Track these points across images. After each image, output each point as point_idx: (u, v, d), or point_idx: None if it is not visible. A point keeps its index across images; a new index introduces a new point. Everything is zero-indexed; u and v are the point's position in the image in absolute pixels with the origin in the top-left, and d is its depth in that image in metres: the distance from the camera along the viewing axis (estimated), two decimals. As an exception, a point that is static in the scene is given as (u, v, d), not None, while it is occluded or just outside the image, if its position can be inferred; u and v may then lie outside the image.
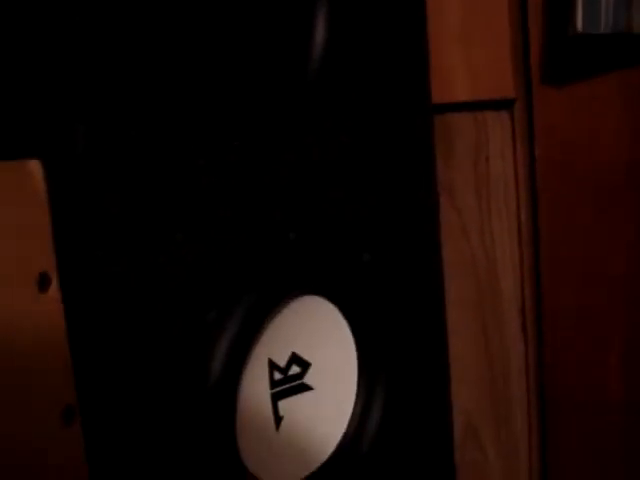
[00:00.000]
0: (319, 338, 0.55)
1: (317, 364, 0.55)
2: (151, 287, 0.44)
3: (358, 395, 0.57)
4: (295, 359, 0.54)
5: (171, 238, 0.45)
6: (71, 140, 0.38)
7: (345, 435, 0.56)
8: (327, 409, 0.56)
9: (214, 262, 0.47)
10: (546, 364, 0.73)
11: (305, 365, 0.55)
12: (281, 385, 0.54)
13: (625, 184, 0.67)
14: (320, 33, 0.51)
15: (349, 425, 0.56)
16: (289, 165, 0.51)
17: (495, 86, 0.70)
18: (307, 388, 0.55)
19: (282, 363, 0.54)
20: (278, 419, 0.54)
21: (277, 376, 0.53)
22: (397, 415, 0.58)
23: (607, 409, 0.71)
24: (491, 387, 0.74)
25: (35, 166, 0.35)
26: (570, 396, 0.73)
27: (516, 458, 0.75)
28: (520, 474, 0.76)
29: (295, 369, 0.55)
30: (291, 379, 0.54)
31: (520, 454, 0.75)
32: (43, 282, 0.36)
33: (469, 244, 0.72)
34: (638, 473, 0.70)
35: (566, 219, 0.70)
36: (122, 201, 0.42)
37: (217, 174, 0.47)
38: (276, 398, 0.53)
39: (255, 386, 0.52)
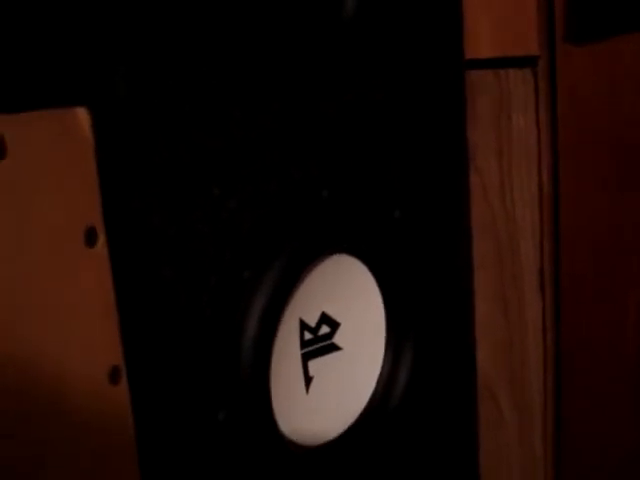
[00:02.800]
0: (349, 298, 0.55)
1: (346, 324, 0.55)
2: (187, 243, 0.43)
3: (386, 355, 0.56)
4: (325, 319, 0.54)
5: (208, 192, 0.44)
6: (114, 86, 0.36)
7: (373, 395, 0.56)
8: (356, 369, 0.56)
9: (248, 219, 0.46)
10: (563, 324, 0.73)
11: (334, 325, 0.54)
12: (311, 345, 0.53)
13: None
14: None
15: (377, 385, 0.56)
16: (322, 122, 0.50)
17: (519, 42, 0.68)
18: (336, 348, 0.55)
19: (312, 323, 0.53)
20: (308, 379, 0.53)
21: (307, 336, 0.53)
22: (424, 374, 0.58)
23: (623, 369, 0.72)
24: (508, 347, 0.74)
25: (82, 114, 0.34)
26: (586, 356, 0.73)
27: (531, 417, 0.76)
28: (535, 432, 0.76)
29: (325, 329, 0.54)
30: (321, 339, 0.54)
31: (535, 411, 0.76)
32: (91, 237, 0.35)
33: (489, 204, 0.71)
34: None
35: (588, 179, 0.69)
36: (162, 152, 0.41)
37: (252, 128, 0.46)
38: (306, 358, 0.53)
39: (287, 346, 0.51)
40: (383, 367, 0.56)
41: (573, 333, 0.74)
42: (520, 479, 0.77)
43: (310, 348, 0.53)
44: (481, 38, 0.68)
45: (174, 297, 0.43)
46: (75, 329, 0.34)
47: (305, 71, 0.48)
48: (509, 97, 0.70)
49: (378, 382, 0.56)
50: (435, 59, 0.56)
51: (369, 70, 0.52)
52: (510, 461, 0.77)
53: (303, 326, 0.52)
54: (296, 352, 0.52)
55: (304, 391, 0.53)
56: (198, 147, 0.43)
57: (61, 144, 0.33)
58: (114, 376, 0.37)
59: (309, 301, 0.52)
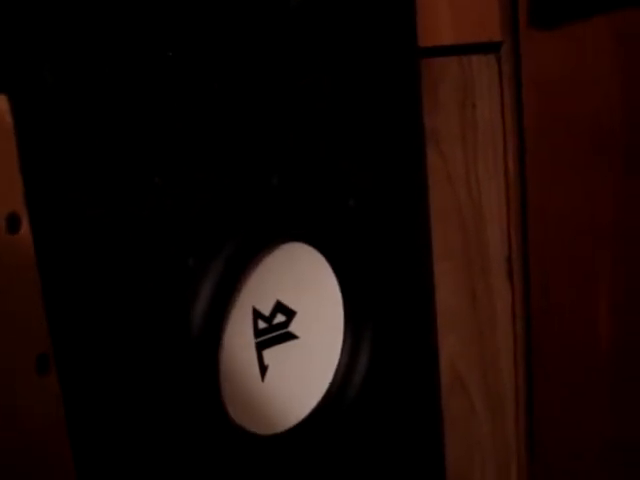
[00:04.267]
0: (304, 286, 0.54)
1: (302, 312, 0.54)
2: (129, 232, 0.43)
3: (344, 344, 0.56)
4: (280, 307, 0.53)
5: (149, 181, 0.43)
6: (38, 74, 0.35)
7: (331, 385, 0.55)
8: (313, 358, 0.55)
9: (194, 207, 0.46)
10: (533, 312, 0.72)
11: (290, 313, 0.54)
12: (266, 334, 0.52)
13: (614, 130, 0.66)
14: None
15: (335, 374, 0.55)
16: (273, 107, 0.49)
17: (481, 28, 0.67)
18: (292, 337, 0.54)
19: (266, 311, 0.52)
20: (263, 368, 0.52)
21: (261, 325, 0.52)
22: (384, 364, 0.57)
23: (596, 358, 0.71)
24: (477, 336, 0.73)
25: (2, 101, 0.33)
26: (557, 343, 0.72)
27: (502, 406, 0.75)
28: (507, 424, 0.75)
29: (280, 317, 0.53)
30: (276, 328, 0.53)
31: (507, 402, 0.75)
32: (13, 223, 0.34)
33: (454, 191, 0.71)
34: (625, 419, 0.70)
35: (553, 165, 0.69)
36: (98, 140, 0.40)
37: (197, 114, 0.45)
38: (261, 347, 0.52)
39: (239, 335, 0.50)
40: (341, 357, 0.55)
41: (543, 322, 0.73)
42: (494, 471, 0.76)
43: (264, 337, 0.52)
44: (443, 25, 0.67)
45: (113, 288, 0.42)
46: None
47: (256, 55, 0.47)
48: (473, 84, 0.69)
49: (336, 372, 0.55)
50: (388, 45, 0.56)
51: (321, 56, 0.52)
52: (483, 453, 0.76)
53: (256, 315, 0.52)
54: (250, 341, 0.51)
55: (259, 380, 0.52)
56: (138, 134, 0.42)
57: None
58: (42, 365, 0.36)
59: (262, 290, 0.52)
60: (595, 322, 0.71)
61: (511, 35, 0.68)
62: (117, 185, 0.42)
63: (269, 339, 0.53)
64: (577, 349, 0.72)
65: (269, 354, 0.53)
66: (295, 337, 0.54)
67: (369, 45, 0.55)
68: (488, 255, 0.72)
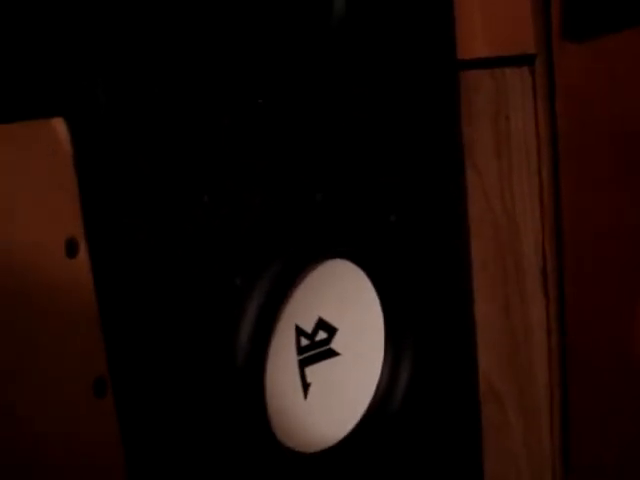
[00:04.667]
0: (345, 303, 0.54)
1: (344, 329, 0.54)
2: (178, 252, 0.43)
3: (385, 360, 0.56)
4: (322, 324, 0.53)
5: (197, 200, 0.44)
6: (92, 95, 0.36)
7: (373, 400, 0.55)
8: (354, 375, 0.55)
9: (240, 225, 0.46)
10: (568, 324, 0.72)
11: (332, 330, 0.54)
12: (308, 351, 0.53)
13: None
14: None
15: (377, 390, 0.55)
16: (316, 125, 0.49)
17: (515, 41, 0.67)
18: (334, 354, 0.54)
19: (309, 329, 0.52)
20: (306, 386, 0.53)
21: (304, 342, 0.52)
22: (424, 379, 0.57)
23: (630, 370, 0.71)
24: (512, 349, 0.73)
25: (59, 124, 0.33)
26: (592, 356, 0.72)
27: (538, 419, 0.75)
28: (542, 434, 0.75)
29: (322, 335, 0.53)
30: (318, 345, 0.53)
31: (541, 414, 0.74)
32: (71, 248, 0.34)
33: (489, 204, 0.70)
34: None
35: (588, 177, 0.68)
36: (147, 162, 0.40)
37: (242, 133, 0.45)
38: (303, 364, 0.52)
39: (282, 352, 0.51)
40: (382, 372, 0.55)
41: (578, 335, 0.72)
42: (529, 482, 0.76)
43: (307, 354, 0.52)
44: (476, 38, 0.67)
45: (164, 307, 0.42)
46: (57, 340, 0.34)
47: (297, 73, 0.47)
48: (506, 96, 0.69)
49: (378, 387, 0.55)
50: (428, 59, 0.56)
51: (361, 72, 0.52)
52: (518, 466, 0.76)
53: (299, 332, 0.52)
54: (292, 358, 0.52)
55: (302, 397, 0.52)
56: (185, 154, 0.42)
57: (39, 155, 0.32)
58: (99, 388, 0.36)
59: (305, 307, 0.52)
60: (630, 336, 0.70)
61: (544, 48, 0.68)
62: (167, 205, 0.42)
63: (311, 356, 0.53)
64: (612, 362, 0.72)
65: (311, 371, 0.53)
66: (337, 354, 0.54)
67: (409, 59, 0.55)
68: (523, 267, 0.72)
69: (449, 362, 0.59)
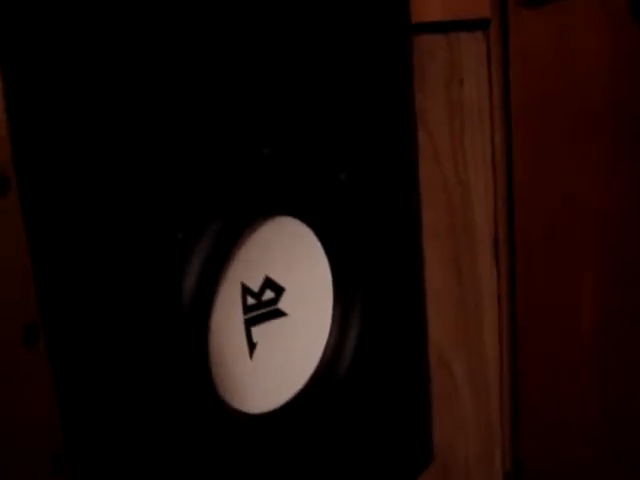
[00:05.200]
0: (293, 262, 0.53)
1: (291, 289, 0.53)
2: (117, 203, 0.41)
3: (333, 321, 0.55)
4: (269, 283, 0.52)
5: (141, 152, 0.42)
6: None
7: (320, 362, 0.54)
8: (302, 336, 0.54)
9: (184, 178, 0.44)
10: (518, 293, 0.72)
11: (279, 290, 0.53)
12: (254, 311, 0.51)
13: (601, 109, 0.66)
14: None
15: (324, 352, 0.54)
16: (266, 78, 0.48)
17: (470, 5, 0.67)
18: (281, 314, 0.53)
19: (255, 287, 0.51)
20: (252, 346, 0.51)
21: (250, 301, 0.51)
22: (373, 341, 0.56)
23: (579, 337, 0.71)
24: (463, 318, 0.73)
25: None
26: (541, 325, 0.72)
27: (486, 388, 0.75)
28: (491, 403, 0.75)
29: (269, 294, 0.52)
30: (265, 304, 0.52)
31: (491, 384, 0.75)
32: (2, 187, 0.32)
33: (441, 170, 0.70)
34: (609, 399, 0.70)
35: (541, 144, 0.68)
36: (85, 108, 0.38)
37: (187, 83, 0.44)
38: (249, 324, 0.51)
39: (228, 311, 0.49)
40: (330, 334, 0.54)
41: (528, 303, 0.73)
42: (478, 451, 0.76)
43: (253, 314, 0.51)
44: (431, 1, 0.66)
45: (101, 261, 0.41)
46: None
47: (249, 22, 0.46)
48: (460, 61, 0.69)
49: (325, 349, 0.54)
50: (382, 20, 0.54)
51: (315, 27, 0.50)
52: (467, 434, 0.76)
53: (245, 290, 0.50)
54: (238, 318, 0.50)
55: (247, 358, 0.51)
56: (131, 102, 0.41)
57: None
58: (30, 336, 0.35)
59: (251, 265, 0.50)
60: (579, 305, 0.71)
61: (500, 13, 0.67)
62: (108, 154, 0.40)
63: (258, 316, 0.51)
64: (561, 332, 0.72)
65: (258, 331, 0.51)
66: (284, 314, 0.53)
67: (363, 20, 0.53)
68: (475, 235, 0.71)
69: (399, 326, 0.58)
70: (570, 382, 0.73)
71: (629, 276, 0.67)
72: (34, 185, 0.35)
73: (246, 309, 0.51)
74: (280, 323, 0.53)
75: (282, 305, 0.53)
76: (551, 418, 0.74)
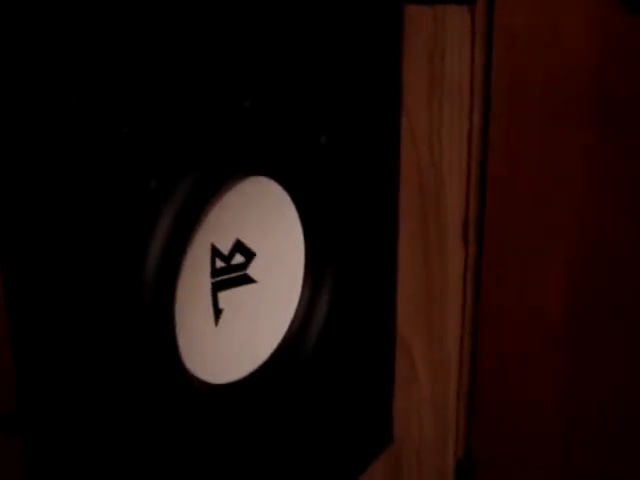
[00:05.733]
0: (267, 227, 0.50)
1: (262, 255, 0.50)
2: (90, 147, 0.38)
3: (303, 291, 0.52)
4: (239, 247, 0.49)
5: (113, 93, 0.38)
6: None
7: (288, 333, 0.52)
8: (270, 304, 0.51)
9: (162, 125, 0.41)
10: (484, 278, 0.71)
11: (250, 255, 0.50)
12: (223, 274, 0.48)
13: (583, 95, 0.65)
14: None
15: (292, 322, 0.52)
16: (253, 27, 0.45)
17: (458, -22, 0.65)
18: (250, 280, 0.50)
19: (225, 250, 0.48)
20: (217, 311, 0.48)
21: (219, 264, 0.48)
22: (342, 314, 0.54)
23: (541, 327, 0.70)
24: (427, 300, 0.71)
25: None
26: (505, 312, 0.71)
27: (445, 373, 0.73)
28: (447, 389, 0.74)
29: (239, 258, 0.49)
30: (234, 269, 0.49)
31: (450, 369, 0.73)
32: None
33: (415, 148, 0.68)
34: (569, 390, 0.70)
35: (519, 128, 0.67)
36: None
37: (163, 31, 0.40)
38: (217, 288, 0.48)
39: (195, 272, 0.46)
40: (299, 305, 0.52)
41: (493, 290, 0.71)
42: (431, 436, 0.75)
43: (221, 277, 0.48)
44: (419, -30, 0.64)
45: (68, 204, 0.37)
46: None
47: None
48: (444, 35, 0.66)
49: (293, 320, 0.52)
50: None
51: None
52: (421, 417, 0.74)
53: (215, 252, 0.47)
54: (206, 280, 0.47)
55: (212, 323, 0.48)
56: (106, 46, 0.37)
57: None
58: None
59: (223, 226, 0.47)
60: (545, 294, 0.70)
61: (487, -12, 0.65)
62: (81, 94, 0.37)
63: (226, 280, 0.48)
64: (525, 320, 0.71)
65: (225, 297, 0.49)
66: (253, 281, 0.50)
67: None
68: (445, 218, 0.70)
69: (368, 302, 0.56)
70: (530, 373, 0.72)
71: (599, 266, 0.66)
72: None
73: (214, 272, 0.48)
74: (248, 290, 0.50)
75: (251, 271, 0.50)
76: (508, 407, 0.73)
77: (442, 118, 0.68)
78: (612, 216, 0.65)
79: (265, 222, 0.50)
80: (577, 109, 0.64)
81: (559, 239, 0.67)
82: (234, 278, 0.49)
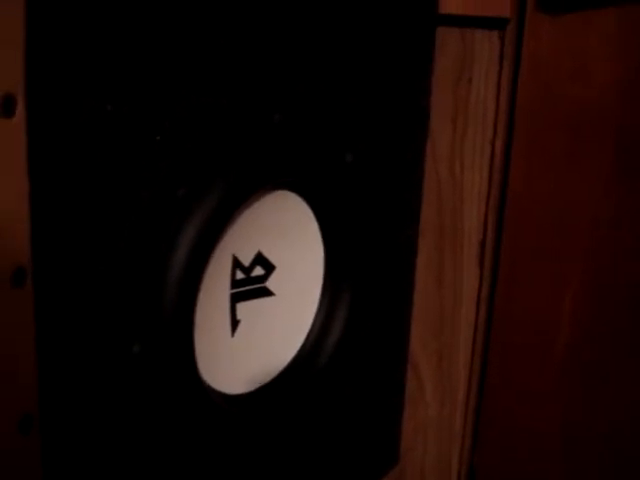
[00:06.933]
0: (288, 241, 0.50)
1: (282, 268, 0.51)
2: (123, 153, 0.38)
3: (321, 305, 0.52)
4: (260, 260, 0.49)
5: (148, 101, 0.39)
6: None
7: (303, 346, 0.52)
8: (287, 318, 0.51)
9: (191, 136, 0.41)
10: (497, 300, 0.71)
11: (270, 268, 0.50)
12: (242, 286, 0.48)
13: (607, 126, 0.65)
14: None
15: (308, 336, 0.52)
16: (285, 44, 0.45)
17: (490, 2, 0.65)
18: (269, 293, 0.50)
19: (246, 262, 0.48)
20: (235, 322, 0.49)
21: (239, 275, 0.48)
22: (358, 330, 0.54)
23: (552, 354, 0.70)
24: (439, 321, 0.71)
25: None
26: (517, 336, 0.71)
27: (453, 395, 0.73)
28: (454, 411, 0.74)
29: (259, 270, 0.49)
30: (253, 281, 0.49)
31: (458, 391, 0.73)
32: (8, 105, 0.29)
33: (436, 169, 0.68)
34: (572, 429, 0.69)
35: (541, 154, 0.67)
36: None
37: (198, 43, 0.41)
38: (235, 300, 0.48)
39: (216, 281, 0.46)
40: (316, 319, 0.52)
41: (507, 313, 0.71)
42: (435, 456, 0.75)
43: (241, 289, 0.48)
44: (451, -7, 0.64)
45: (97, 211, 0.37)
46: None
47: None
48: (472, 59, 0.67)
49: (309, 334, 0.52)
50: (408, 4, 0.52)
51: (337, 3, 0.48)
52: (426, 437, 0.74)
53: (236, 264, 0.48)
54: (225, 291, 0.47)
55: (229, 334, 0.48)
56: (137, 57, 0.37)
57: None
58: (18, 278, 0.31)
59: (245, 237, 0.48)
60: (558, 320, 0.70)
61: (518, 14, 0.66)
62: (112, 102, 0.37)
63: (245, 292, 0.49)
64: (535, 350, 0.71)
65: (242, 308, 0.49)
66: (271, 294, 0.50)
67: (388, 3, 0.51)
68: (462, 237, 0.70)
69: (384, 320, 0.56)
70: (536, 403, 0.71)
71: (615, 295, 0.66)
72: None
73: (234, 283, 0.48)
74: (266, 303, 0.50)
75: (270, 284, 0.50)
76: (513, 434, 0.73)
77: (465, 140, 0.68)
78: (628, 247, 0.65)
79: (287, 236, 0.50)
80: (599, 140, 0.64)
81: (574, 266, 0.67)
82: (253, 290, 0.49)
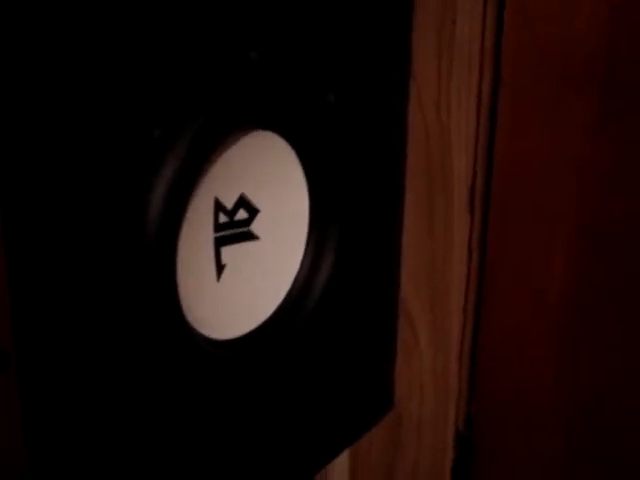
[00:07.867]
0: (271, 182, 0.50)
1: (266, 212, 0.50)
2: (94, 92, 0.37)
3: (307, 249, 0.52)
4: (243, 202, 0.48)
5: (109, 46, 0.37)
6: None
7: (289, 292, 0.51)
8: (273, 262, 0.51)
9: (167, 73, 0.40)
10: (489, 247, 0.70)
11: (253, 211, 0.49)
12: (226, 230, 0.48)
13: (595, 68, 0.64)
14: None
15: (294, 282, 0.51)
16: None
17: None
18: (253, 237, 0.50)
19: (229, 205, 0.48)
20: (220, 267, 0.48)
21: (222, 218, 0.47)
22: (345, 277, 0.53)
23: (546, 299, 0.69)
24: (430, 270, 0.71)
25: None
26: (509, 282, 0.70)
27: (447, 342, 0.73)
28: (449, 360, 0.74)
29: (242, 214, 0.49)
30: (237, 224, 0.48)
31: (452, 340, 0.73)
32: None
33: (422, 113, 0.67)
34: (572, 365, 0.69)
35: (528, 95, 0.66)
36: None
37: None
38: (219, 243, 0.48)
39: (198, 225, 0.45)
40: (302, 263, 0.51)
41: (498, 259, 0.71)
42: (432, 408, 0.75)
43: (224, 233, 0.47)
44: None
45: (68, 150, 0.37)
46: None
47: None
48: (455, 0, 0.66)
49: (296, 278, 0.51)
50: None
51: None
52: (422, 388, 0.74)
53: (218, 206, 0.47)
54: (209, 235, 0.47)
55: (214, 278, 0.47)
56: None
57: None
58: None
59: (227, 179, 0.47)
60: (550, 264, 0.69)
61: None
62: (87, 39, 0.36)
63: (229, 236, 0.48)
64: (528, 292, 0.70)
65: (227, 252, 0.48)
66: (256, 237, 0.50)
67: None
68: (451, 185, 0.69)
69: (373, 263, 0.56)
70: (531, 352, 0.71)
71: (604, 243, 0.65)
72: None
73: (217, 227, 0.47)
74: (251, 247, 0.50)
75: (255, 228, 0.50)
76: (508, 381, 0.73)
77: (450, 83, 0.67)
78: (617, 196, 0.64)
79: (270, 178, 0.50)
80: (588, 83, 0.63)
81: (566, 209, 0.66)
82: (237, 234, 0.48)
